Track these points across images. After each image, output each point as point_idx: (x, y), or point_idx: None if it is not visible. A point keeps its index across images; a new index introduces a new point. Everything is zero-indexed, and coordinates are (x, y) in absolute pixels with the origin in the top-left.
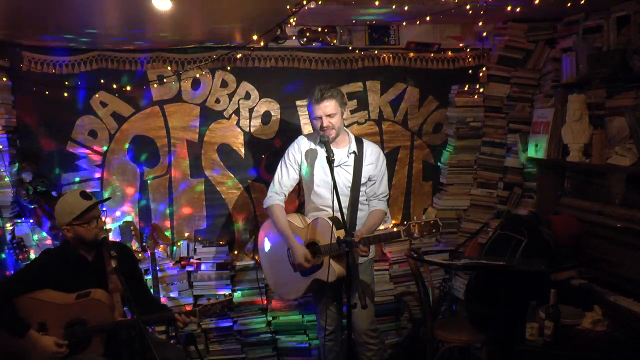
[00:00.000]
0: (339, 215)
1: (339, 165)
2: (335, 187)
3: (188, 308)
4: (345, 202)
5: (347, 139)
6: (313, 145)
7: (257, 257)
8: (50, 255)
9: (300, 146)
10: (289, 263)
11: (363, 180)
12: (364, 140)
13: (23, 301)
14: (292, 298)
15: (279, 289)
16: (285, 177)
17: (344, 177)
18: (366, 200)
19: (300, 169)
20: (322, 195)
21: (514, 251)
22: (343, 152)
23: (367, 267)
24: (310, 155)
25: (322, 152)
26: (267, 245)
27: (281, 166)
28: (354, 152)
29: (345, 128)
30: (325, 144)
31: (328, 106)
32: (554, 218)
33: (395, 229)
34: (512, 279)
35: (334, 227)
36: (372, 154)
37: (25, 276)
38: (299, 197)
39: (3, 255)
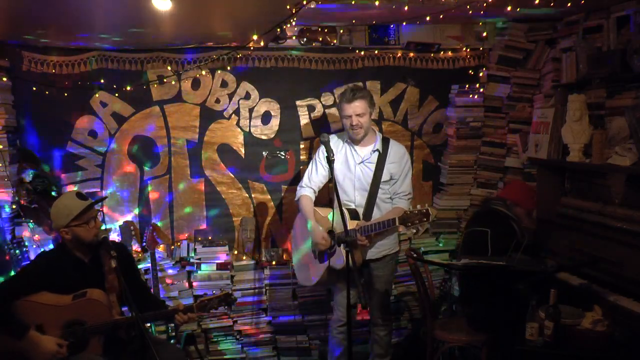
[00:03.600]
0: (360, 209)
1: (362, 162)
2: (335, 186)
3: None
4: (364, 197)
5: (374, 138)
6: (341, 144)
7: (256, 257)
8: (46, 257)
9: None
10: (311, 250)
11: (385, 178)
12: (390, 140)
13: (19, 304)
14: (310, 284)
15: (300, 273)
16: (314, 174)
17: (366, 174)
18: (388, 198)
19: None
20: (345, 191)
21: (484, 245)
22: (367, 150)
23: (389, 262)
24: (339, 154)
25: (348, 150)
26: (298, 233)
27: (312, 163)
28: (377, 150)
29: (373, 127)
30: (325, 144)
31: (358, 106)
32: (503, 192)
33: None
34: (487, 278)
35: (348, 217)
36: (396, 153)
37: (22, 279)
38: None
39: None
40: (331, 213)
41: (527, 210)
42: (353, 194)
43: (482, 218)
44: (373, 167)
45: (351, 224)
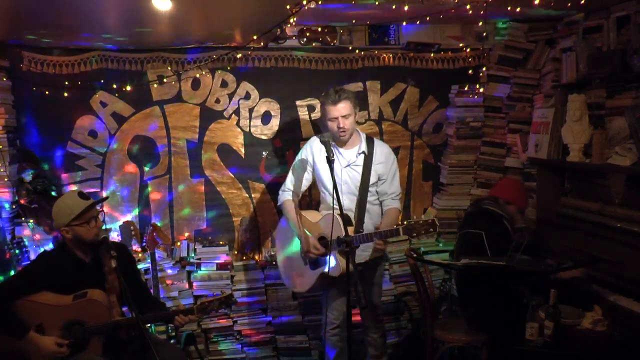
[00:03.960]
0: (350, 213)
1: (348, 166)
2: (335, 186)
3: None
4: (354, 201)
5: (358, 139)
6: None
7: (256, 257)
8: (47, 257)
9: (312, 147)
10: (301, 256)
11: (373, 180)
12: (375, 140)
13: (20, 304)
14: (301, 290)
15: (290, 280)
16: (296, 177)
17: (354, 177)
18: (376, 200)
19: (313, 169)
20: (332, 195)
21: (481, 247)
22: (353, 153)
23: (378, 265)
24: (322, 156)
25: (336, 153)
26: (283, 238)
27: (293, 166)
28: (363, 152)
29: (356, 128)
30: (325, 144)
31: (344, 107)
32: (495, 190)
33: (394, 227)
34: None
35: (340, 222)
36: (382, 153)
37: (23, 279)
38: (310, 195)
39: None
40: (322, 218)
41: (520, 208)
42: (341, 198)
43: (475, 219)
44: (360, 169)
45: (342, 229)
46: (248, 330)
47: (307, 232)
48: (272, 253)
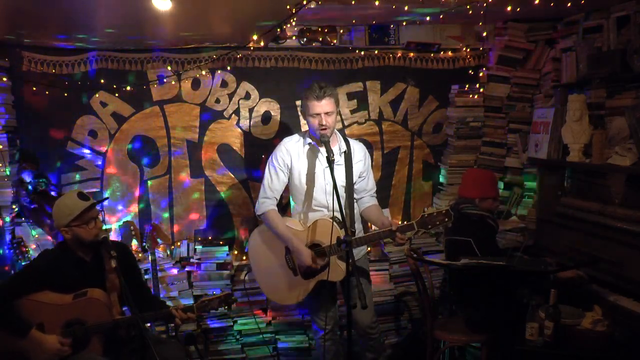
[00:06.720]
0: (338, 214)
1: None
2: (335, 186)
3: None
4: (342, 201)
5: (337, 138)
6: (302, 147)
7: None
8: (48, 257)
9: (288, 149)
10: (288, 268)
11: (355, 178)
12: (348, 138)
13: (21, 303)
14: (293, 302)
15: (278, 295)
16: (275, 182)
17: (339, 177)
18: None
19: (290, 171)
20: (314, 197)
21: (471, 253)
22: (334, 152)
23: (364, 263)
24: (303, 157)
25: (317, 153)
26: (260, 253)
27: (269, 171)
28: (344, 151)
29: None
30: (326, 143)
31: (327, 104)
32: (466, 189)
33: (407, 222)
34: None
35: (337, 226)
36: (359, 151)
37: (24, 278)
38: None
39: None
40: (312, 224)
41: (494, 197)
42: (325, 199)
43: (458, 224)
44: (343, 169)
45: (341, 232)
46: (248, 330)
47: (301, 245)
48: None
